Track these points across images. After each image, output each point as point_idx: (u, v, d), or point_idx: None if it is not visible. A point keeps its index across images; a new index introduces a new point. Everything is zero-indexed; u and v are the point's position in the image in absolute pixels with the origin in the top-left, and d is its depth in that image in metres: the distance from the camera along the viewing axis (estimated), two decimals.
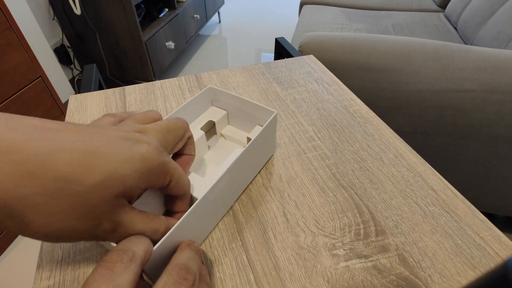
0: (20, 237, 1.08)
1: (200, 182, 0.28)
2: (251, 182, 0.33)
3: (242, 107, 0.35)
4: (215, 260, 0.27)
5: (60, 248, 0.27)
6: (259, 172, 0.34)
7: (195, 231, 0.26)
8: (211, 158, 0.35)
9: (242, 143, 0.36)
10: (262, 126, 0.34)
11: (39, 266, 0.26)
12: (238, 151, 0.29)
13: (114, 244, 0.21)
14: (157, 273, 0.20)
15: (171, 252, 0.21)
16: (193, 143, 0.27)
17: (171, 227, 0.21)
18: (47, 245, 0.28)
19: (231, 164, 0.26)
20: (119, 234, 0.19)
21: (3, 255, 1.03)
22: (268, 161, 0.36)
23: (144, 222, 0.20)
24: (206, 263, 0.26)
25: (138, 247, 0.18)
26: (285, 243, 0.28)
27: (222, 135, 0.38)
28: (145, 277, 0.22)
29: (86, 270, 0.26)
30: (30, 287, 0.95)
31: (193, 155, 0.28)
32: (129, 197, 0.19)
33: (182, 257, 0.19)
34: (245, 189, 0.33)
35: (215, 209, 0.28)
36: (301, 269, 0.26)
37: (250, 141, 0.29)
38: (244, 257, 0.27)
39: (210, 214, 0.27)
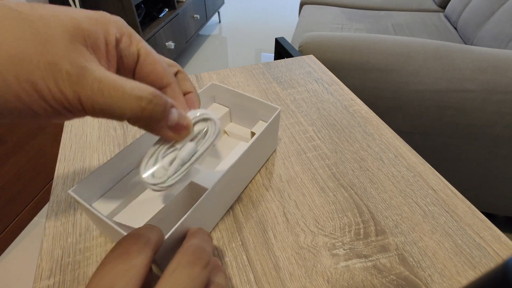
0: (20, 237, 1.08)
1: (207, 174, 0.28)
2: (251, 181, 0.33)
3: (244, 103, 0.35)
4: None
5: (60, 248, 0.27)
6: (259, 171, 0.34)
7: (202, 223, 0.26)
8: (215, 154, 0.36)
9: (245, 139, 0.37)
10: (265, 122, 0.34)
11: (39, 266, 0.26)
12: (243, 144, 0.29)
13: (120, 235, 0.21)
14: (166, 262, 0.20)
15: (179, 243, 0.22)
16: (187, 79, 0.24)
17: (161, 95, 0.18)
18: (47, 245, 0.28)
19: (238, 156, 0.27)
20: (90, 83, 0.16)
21: (3, 255, 1.03)
22: (268, 160, 0.36)
23: (123, 78, 0.17)
24: None
25: (153, 233, 0.18)
26: (285, 243, 0.28)
27: (225, 132, 0.38)
28: (154, 268, 0.22)
29: (86, 270, 0.26)
30: (30, 287, 0.95)
31: (194, 92, 0.25)
32: (91, 47, 0.17)
33: (194, 239, 0.19)
34: (246, 186, 0.33)
35: (221, 202, 0.28)
36: (301, 269, 0.26)
37: (256, 135, 0.29)
38: (244, 257, 0.27)
39: (216, 206, 0.27)
